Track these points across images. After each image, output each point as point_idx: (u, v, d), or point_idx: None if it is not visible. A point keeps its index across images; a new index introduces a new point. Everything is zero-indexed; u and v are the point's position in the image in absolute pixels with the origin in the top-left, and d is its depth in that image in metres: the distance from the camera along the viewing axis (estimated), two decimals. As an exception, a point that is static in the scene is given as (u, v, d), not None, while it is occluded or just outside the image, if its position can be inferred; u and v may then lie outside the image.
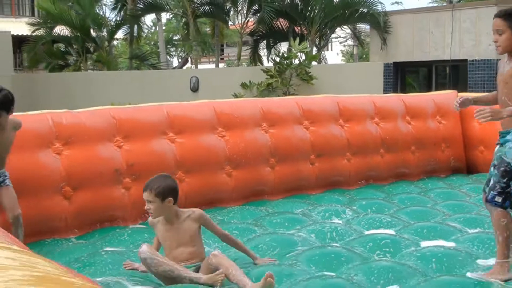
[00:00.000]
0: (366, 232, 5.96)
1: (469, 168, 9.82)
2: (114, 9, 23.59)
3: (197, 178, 7.29)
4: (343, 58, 48.33)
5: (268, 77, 16.03)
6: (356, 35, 24.71)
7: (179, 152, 7.18)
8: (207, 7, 21.73)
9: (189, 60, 32.14)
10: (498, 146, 4.72)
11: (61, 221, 6.29)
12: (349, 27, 23.30)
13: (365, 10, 18.90)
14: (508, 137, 4.57)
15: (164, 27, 35.61)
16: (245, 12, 21.32)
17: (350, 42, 41.00)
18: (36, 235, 5.99)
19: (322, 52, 23.25)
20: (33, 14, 23.37)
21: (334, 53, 49.99)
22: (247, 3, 20.93)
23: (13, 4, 38.36)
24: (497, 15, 4.68)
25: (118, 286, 4.53)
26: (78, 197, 6.40)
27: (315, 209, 6.97)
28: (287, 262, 5.03)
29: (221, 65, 36.51)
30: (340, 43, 42.75)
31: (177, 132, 7.27)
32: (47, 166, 6.26)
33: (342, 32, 28.83)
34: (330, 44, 48.35)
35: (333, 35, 27.88)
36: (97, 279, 4.71)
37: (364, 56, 37.13)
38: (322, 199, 7.64)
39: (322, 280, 4.50)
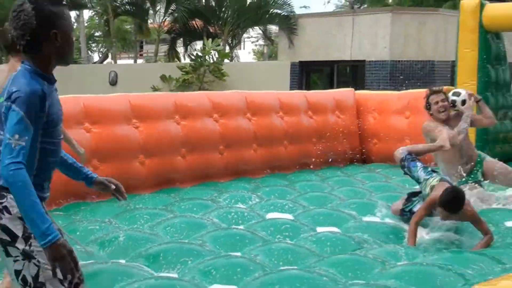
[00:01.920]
0: (268, 217, 6.01)
1: (364, 158, 10.09)
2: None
3: (111, 166, 7.15)
4: (254, 56, 48.58)
5: (184, 73, 15.93)
6: (266, 35, 24.91)
7: (94, 141, 7.02)
8: (127, 6, 21.39)
9: (109, 55, 31.51)
10: None
11: None
12: (260, 28, 23.45)
13: (275, 11, 19.05)
14: None
15: (86, 24, 34.75)
16: (163, 11, 21.12)
17: (261, 42, 41.43)
18: None
19: (235, 51, 23.28)
20: None
21: (246, 52, 50.18)
22: (165, 3, 20.73)
23: None
24: None
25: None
26: None
27: (222, 195, 6.98)
28: (195, 242, 5.02)
29: (140, 61, 36.00)
30: (252, 42, 43.03)
31: (93, 122, 7.11)
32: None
33: (254, 32, 29.00)
34: (243, 43, 48.53)
35: (245, 35, 27.94)
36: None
37: (273, 55, 37.46)
38: (230, 186, 7.66)
39: (227, 259, 4.52)
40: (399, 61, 15.55)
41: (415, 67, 15.52)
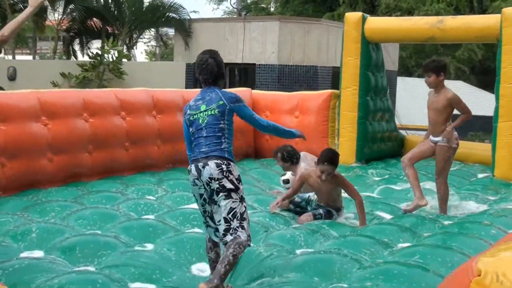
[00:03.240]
0: (177, 208, 5.97)
1: (257, 153, 10.23)
2: None
3: (19, 163, 6.78)
4: (147, 56, 47.84)
5: (84, 70, 15.44)
6: (161, 37, 24.62)
7: (2, 138, 6.62)
8: (25, 4, 20.37)
9: (3, 50, 29.77)
10: None
11: None
12: (154, 30, 23.17)
13: (172, 15, 18.85)
14: None
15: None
16: (61, 10, 20.30)
17: (153, 42, 40.91)
18: None
19: (132, 51, 22.85)
20: None
21: (139, 52, 49.32)
22: (63, 2, 19.95)
23: None
24: None
25: None
26: None
27: (129, 188, 6.84)
28: (110, 234, 4.89)
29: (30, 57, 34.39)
30: (144, 43, 42.42)
31: (1, 120, 6.69)
32: None
33: (146, 33, 28.66)
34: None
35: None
36: None
37: (165, 56, 37.04)
38: (135, 179, 7.51)
39: (138, 253, 4.43)
40: (286, 65, 15.88)
41: (300, 71, 15.91)
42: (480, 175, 8.76)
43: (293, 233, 5.13)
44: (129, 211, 5.68)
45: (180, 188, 6.97)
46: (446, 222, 5.70)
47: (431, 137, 6.24)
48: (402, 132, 11.41)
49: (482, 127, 15.62)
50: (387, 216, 6.05)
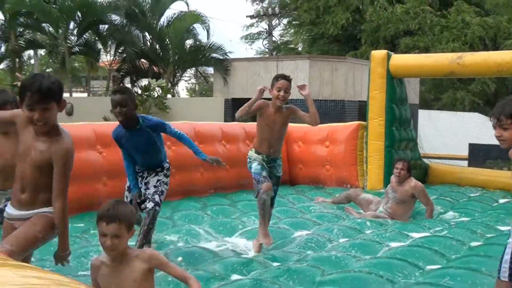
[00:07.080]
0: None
1: (292, 181, 10.14)
2: (-1, 43, 21.90)
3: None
4: (187, 93, 48.40)
5: (132, 105, 15.70)
6: (202, 75, 24.93)
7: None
8: (81, 47, 20.88)
9: (62, 89, 30.39)
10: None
11: None
12: (195, 69, 23.50)
13: (212, 55, 19.10)
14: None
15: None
16: (112, 52, 20.75)
17: (193, 80, 41.39)
18: None
19: (176, 88, 23.21)
20: None
21: (180, 89, 49.91)
22: (114, 45, 20.41)
23: None
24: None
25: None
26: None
27: (175, 213, 6.81)
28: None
29: (85, 95, 35.13)
30: (185, 81, 42.97)
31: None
32: None
33: (187, 72, 29.09)
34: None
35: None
36: None
37: (204, 92, 37.42)
38: (180, 204, 7.51)
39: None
40: (316, 100, 15.82)
41: (329, 105, 15.86)
42: (501, 200, 8.52)
43: (328, 255, 5.04)
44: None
45: (223, 215, 6.91)
46: (473, 244, 5.53)
47: (8, 209, 3.27)
48: (426, 160, 11.22)
49: (500, 156, 15.29)
50: (417, 235, 5.93)
